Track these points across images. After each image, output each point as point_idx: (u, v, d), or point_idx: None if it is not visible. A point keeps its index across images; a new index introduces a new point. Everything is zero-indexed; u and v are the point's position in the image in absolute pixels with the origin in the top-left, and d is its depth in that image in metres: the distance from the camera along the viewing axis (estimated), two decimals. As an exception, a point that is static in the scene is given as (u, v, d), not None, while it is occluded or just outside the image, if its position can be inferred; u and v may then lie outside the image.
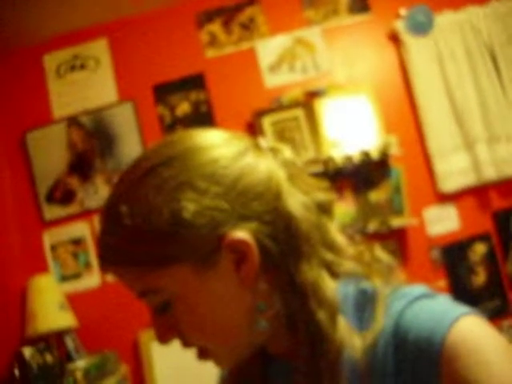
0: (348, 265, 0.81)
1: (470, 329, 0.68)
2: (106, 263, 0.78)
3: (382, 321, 0.74)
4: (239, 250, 0.74)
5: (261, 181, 0.77)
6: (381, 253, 0.83)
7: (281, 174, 0.79)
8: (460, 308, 0.72)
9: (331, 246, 0.81)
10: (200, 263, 0.74)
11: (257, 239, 0.75)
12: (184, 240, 0.73)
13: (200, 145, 0.77)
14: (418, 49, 3.46)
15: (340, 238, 0.83)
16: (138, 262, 0.74)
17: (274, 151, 0.82)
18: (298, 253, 0.76)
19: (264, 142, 0.84)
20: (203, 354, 0.80)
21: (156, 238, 0.73)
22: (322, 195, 0.82)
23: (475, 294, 3.26)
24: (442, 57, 3.45)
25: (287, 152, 0.83)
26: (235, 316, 0.77)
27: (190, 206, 0.72)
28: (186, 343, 0.79)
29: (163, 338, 0.79)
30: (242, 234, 0.74)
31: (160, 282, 0.75)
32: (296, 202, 0.78)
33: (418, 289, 0.77)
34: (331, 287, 0.77)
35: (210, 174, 0.74)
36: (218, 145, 0.78)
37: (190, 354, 0.82)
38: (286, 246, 0.76)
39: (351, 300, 0.78)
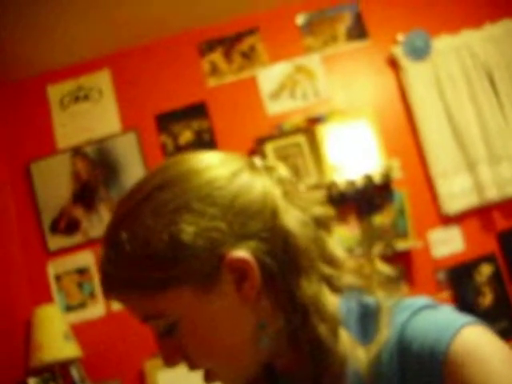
0: (348, 278, 0.81)
1: (474, 338, 0.69)
2: (109, 290, 0.78)
3: (386, 332, 0.74)
4: (239, 269, 0.75)
5: (257, 199, 0.77)
6: (381, 265, 0.83)
7: (276, 192, 0.80)
8: (464, 318, 0.72)
9: (330, 260, 0.81)
10: (201, 284, 0.74)
11: (256, 257, 0.75)
12: (184, 262, 0.73)
13: (195, 167, 0.78)
14: (416, 73, 3.51)
15: (339, 252, 0.83)
16: (140, 287, 0.75)
17: (269, 170, 0.83)
18: (297, 269, 0.77)
19: (259, 161, 0.84)
20: (209, 376, 0.80)
21: (156, 262, 0.73)
22: (319, 210, 0.82)
23: (482, 316, 3.23)
24: (440, 80, 3.50)
25: (282, 170, 0.84)
26: (239, 335, 0.77)
27: (188, 229, 0.73)
28: (192, 365, 0.79)
29: (169, 361, 0.79)
30: (241, 252, 0.74)
31: (162, 305, 0.75)
32: (293, 218, 0.78)
33: (422, 300, 0.78)
34: (332, 302, 0.77)
35: (206, 196, 0.75)
36: (213, 166, 0.78)
37: (195, 383, 0.82)
38: (285, 262, 0.77)
39: (354, 314, 0.78)
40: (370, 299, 0.79)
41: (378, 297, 0.78)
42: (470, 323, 0.70)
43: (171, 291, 0.74)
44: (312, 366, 0.75)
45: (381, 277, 0.81)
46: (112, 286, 0.77)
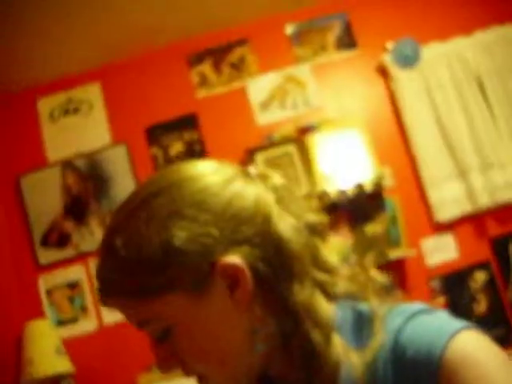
0: (343, 285, 0.82)
1: (469, 343, 0.69)
2: (105, 296, 0.79)
3: (381, 338, 0.74)
4: (232, 275, 0.75)
5: (249, 205, 0.78)
6: (375, 273, 0.83)
7: (270, 198, 0.80)
8: (458, 322, 0.72)
9: (324, 267, 0.82)
10: (194, 290, 0.75)
11: (248, 263, 0.76)
12: (176, 267, 0.74)
13: (189, 175, 0.79)
14: (406, 81, 3.51)
15: (333, 259, 0.83)
16: (134, 293, 0.76)
17: (263, 177, 0.84)
18: (289, 274, 0.77)
19: (253, 169, 0.85)
20: (204, 382, 0.80)
21: (149, 267, 0.74)
22: (313, 217, 0.83)
23: (477, 323, 3.19)
24: (430, 88, 3.50)
25: (276, 177, 0.85)
26: (232, 340, 0.77)
27: (180, 234, 0.74)
28: (187, 371, 0.80)
29: (165, 367, 0.80)
30: (233, 258, 0.75)
31: (157, 310, 0.76)
32: (286, 224, 0.79)
33: (416, 305, 0.78)
34: (325, 307, 0.77)
35: (199, 202, 0.76)
36: (206, 174, 0.80)
37: None
38: (278, 267, 0.77)
39: (349, 321, 0.79)
40: (364, 306, 0.79)
41: (373, 303, 0.79)
42: (465, 328, 0.70)
43: (165, 296, 0.75)
44: (304, 372, 0.75)
45: (375, 284, 0.82)
46: (107, 292, 0.78)
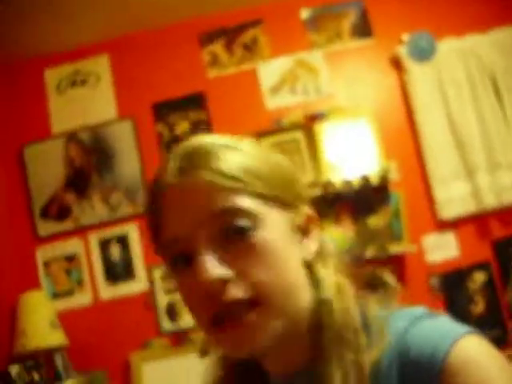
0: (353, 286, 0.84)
1: (470, 348, 0.69)
2: (215, 168, 0.75)
3: (387, 340, 0.74)
4: (306, 226, 0.83)
5: None
6: (382, 274, 0.86)
7: None
8: (461, 327, 0.73)
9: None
10: (290, 219, 0.80)
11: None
12: (300, 189, 0.84)
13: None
14: (419, 74, 3.46)
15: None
16: (261, 194, 0.77)
17: None
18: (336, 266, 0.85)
19: None
20: (248, 307, 0.74)
21: (286, 175, 0.82)
22: None
23: (474, 323, 3.20)
24: (443, 83, 3.45)
25: None
26: (301, 275, 0.80)
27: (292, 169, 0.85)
28: (241, 275, 0.74)
29: (214, 268, 0.73)
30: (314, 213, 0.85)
31: (261, 213, 0.76)
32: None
33: (419, 309, 0.79)
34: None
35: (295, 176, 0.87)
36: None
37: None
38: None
39: None
40: (369, 308, 0.81)
41: (375, 306, 0.81)
42: (468, 333, 0.71)
43: (275, 207, 0.78)
44: (334, 350, 0.76)
45: (380, 286, 0.85)
46: (225, 169, 0.75)
